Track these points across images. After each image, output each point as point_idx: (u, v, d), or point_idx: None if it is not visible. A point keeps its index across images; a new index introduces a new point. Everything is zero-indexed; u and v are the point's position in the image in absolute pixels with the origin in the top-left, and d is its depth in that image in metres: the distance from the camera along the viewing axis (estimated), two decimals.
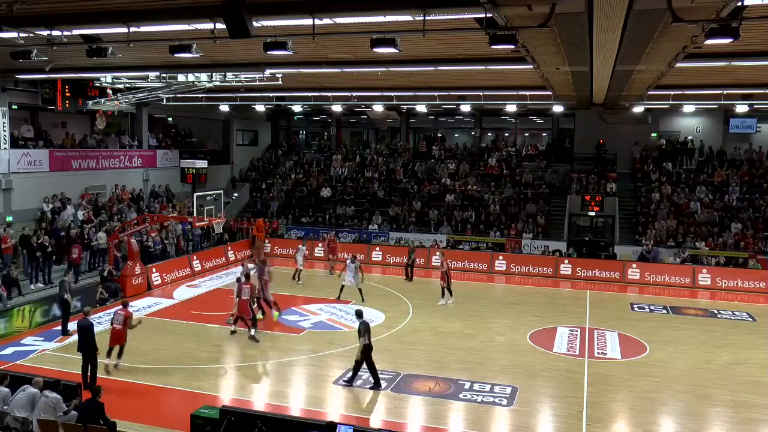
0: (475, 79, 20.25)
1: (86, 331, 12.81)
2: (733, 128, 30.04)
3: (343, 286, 20.24)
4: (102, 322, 16.88)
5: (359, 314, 13.50)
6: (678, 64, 14.63)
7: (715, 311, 20.28)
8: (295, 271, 23.37)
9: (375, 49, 11.63)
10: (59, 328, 16.62)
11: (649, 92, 20.97)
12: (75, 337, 15.73)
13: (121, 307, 14.09)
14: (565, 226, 28.64)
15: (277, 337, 16.52)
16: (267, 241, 28.79)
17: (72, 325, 16.20)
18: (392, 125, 39.48)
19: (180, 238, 25.74)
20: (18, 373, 11.57)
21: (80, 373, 12.69)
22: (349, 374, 13.25)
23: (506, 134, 37.96)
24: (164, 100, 26.08)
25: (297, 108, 32.32)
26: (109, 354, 13.70)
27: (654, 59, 14.09)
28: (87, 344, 12.75)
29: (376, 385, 12.96)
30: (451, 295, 20.25)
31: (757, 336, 17.60)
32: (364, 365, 12.93)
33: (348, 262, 20.52)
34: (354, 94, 24.92)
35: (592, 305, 20.67)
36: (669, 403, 12.83)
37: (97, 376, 12.76)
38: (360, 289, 20.07)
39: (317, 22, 10.99)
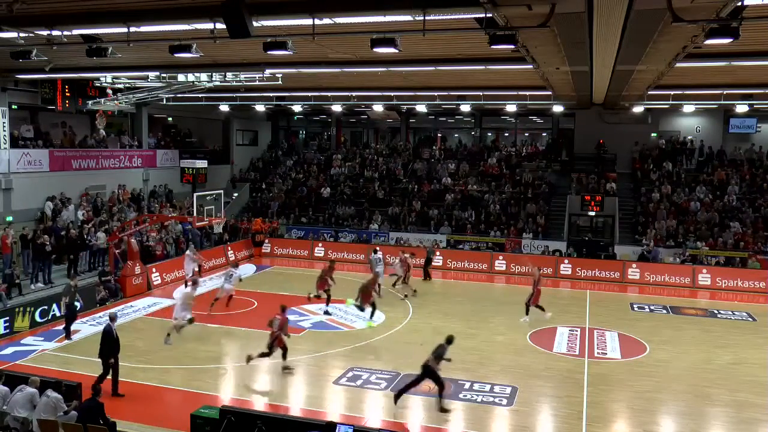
0: (475, 79, 20.26)
1: (104, 336, 12.46)
2: (732, 128, 30.10)
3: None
4: (102, 322, 16.86)
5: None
6: (678, 64, 14.65)
7: (715, 311, 20.27)
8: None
9: (375, 49, 11.64)
10: (58, 328, 16.61)
11: (649, 92, 20.99)
12: (75, 338, 15.89)
13: (280, 312, 14.11)
14: (565, 226, 28.64)
15: None
16: (267, 240, 28.77)
17: (76, 326, 16.26)
18: (392, 125, 39.52)
19: (180, 238, 25.74)
20: (15, 373, 11.56)
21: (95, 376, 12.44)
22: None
23: (506, 134, 37.99)
24: (164, 100, 26.10)
25: (297, 108, 32.36)
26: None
27: (654, 59, 14.10)
28: (102, 349, 12.40)
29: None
30: (527, 312, 18.28)
31: (757, 336, 17.60)
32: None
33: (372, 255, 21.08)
34: (354, 94, 24.93)
35: (592, 305, 20.67)
36: (669, 402, 12.83)
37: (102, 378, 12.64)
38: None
39: (317, 21, 11.01)
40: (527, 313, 18.29)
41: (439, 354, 11.99)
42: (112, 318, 12.76)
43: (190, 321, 15.65)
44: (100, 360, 12.35)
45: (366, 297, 17.46)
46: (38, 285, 19.81)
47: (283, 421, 10.24)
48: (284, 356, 13.79)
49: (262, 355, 13.64)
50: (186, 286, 21.09)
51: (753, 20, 9.92)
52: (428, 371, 11.90)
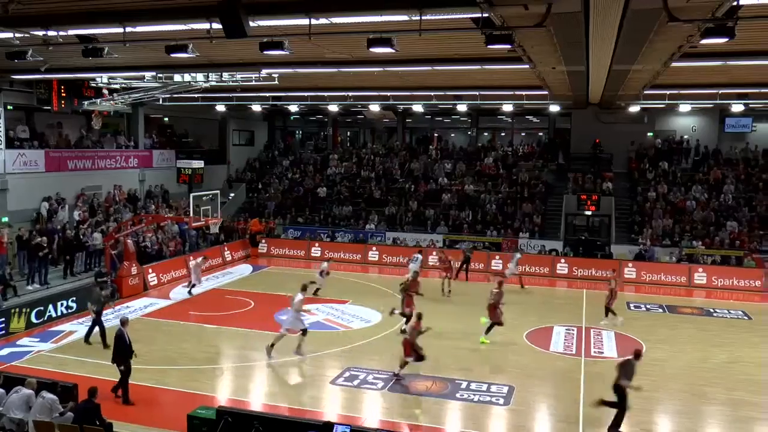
0: (471, 79, 20.26)
1: (116, 341, 12.32)
2: (728, 127, 30.18)
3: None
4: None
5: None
6: (674, 64, 14.69)
7: (711, 310, 20.33)
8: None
9: (371, 49, 11.65)
10: (54, 329, 16.62)
11: (645, 92, 21.03)
12: (71, 338, 15.84)
13: (415, 320, 13.72)
14: (561, 226, 28.67)
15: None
16: (264, 240, 28.74)
17: (71, 327, 16.20)
18: (389, 125, 39.52)
19: (177, 239, 25.67)
20: (10, 374, 11.51)
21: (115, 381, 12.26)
22: None
23: (503, 134, 38.01)
24: (160, 100, 26.03)
25: (293, 108, 32.27)
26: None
27: (650, 59, 14.14)
28: (115, 355, 12.26)
29: None
30: (607, 314, 18.14)
31: (753, 334, 17.66)
32: None
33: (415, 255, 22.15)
34: (350, 94, 24.92)
35: (589, 304, 20.67)
36: (665, 401, 12.86)
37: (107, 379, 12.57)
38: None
39: (313, 21, 11.00)
40: (607, 315, 18.13)
41: (628, 371, 11.24)
42: (124, 323, 12.51)
43: (304, 332, 14.60)
44: (114, 365, 12.16)
45: (492, 313, 16.49)
46: (34, 286, 19.74)
47: (280, 421, 10.23)
48: (418, 360, 13.47)
49: (404, 364, 13.34)
50: (187, 287, 20.97)
51: (748, 20, 9.96)
52: (622, 391, 11.16)
